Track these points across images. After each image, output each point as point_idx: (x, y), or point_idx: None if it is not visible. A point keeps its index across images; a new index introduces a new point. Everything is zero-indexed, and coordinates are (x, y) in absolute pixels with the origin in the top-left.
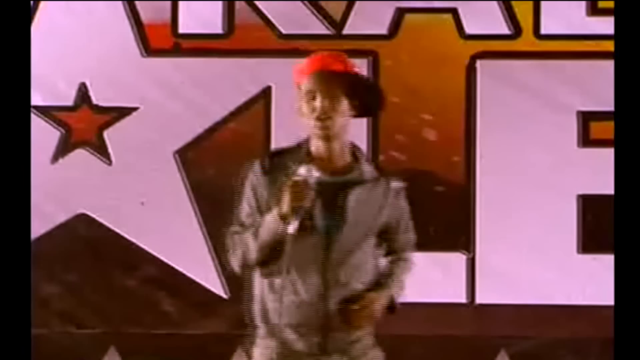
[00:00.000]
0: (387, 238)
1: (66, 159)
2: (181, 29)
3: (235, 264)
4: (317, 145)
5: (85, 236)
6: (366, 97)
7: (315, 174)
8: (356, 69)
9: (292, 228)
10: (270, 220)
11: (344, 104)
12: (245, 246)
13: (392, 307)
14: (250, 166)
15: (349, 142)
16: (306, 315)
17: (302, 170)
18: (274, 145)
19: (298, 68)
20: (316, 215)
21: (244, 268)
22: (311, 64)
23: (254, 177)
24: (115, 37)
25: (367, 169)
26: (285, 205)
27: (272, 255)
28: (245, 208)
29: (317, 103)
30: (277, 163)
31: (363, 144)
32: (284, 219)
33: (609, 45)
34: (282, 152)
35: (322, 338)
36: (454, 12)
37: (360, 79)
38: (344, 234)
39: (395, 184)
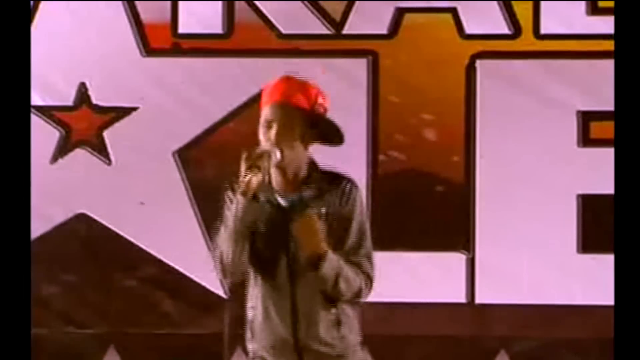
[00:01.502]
0: (339, 245)
1: (66, 158)
2: (181, 29)
3: (219, 272)
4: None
5: (85, 236)
6: (325, 131)
7: (273, 197)
8: (320, 102)
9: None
10: (235, 203)
11: (300, 136)
12: (221, 247)
13: (316, 263)
14: (224, 192)
15: (306, 161)
16: (277, 337)
17: (261, 196)
18: None
19: (264, 91)
20: (279, 239)
21: (228, 277)
22: (274, 92)
23: (227, 200)
24: (115, 37)
25: (317, 182)
26: (242, 178)
27: (244, 247)
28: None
29: (272, 134)
30: None
31: (363, 144)
32: (245, 193)
33: (609, 45)
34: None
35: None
36: (453, 11)
37: (320, 117)
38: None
39: (346, 188)
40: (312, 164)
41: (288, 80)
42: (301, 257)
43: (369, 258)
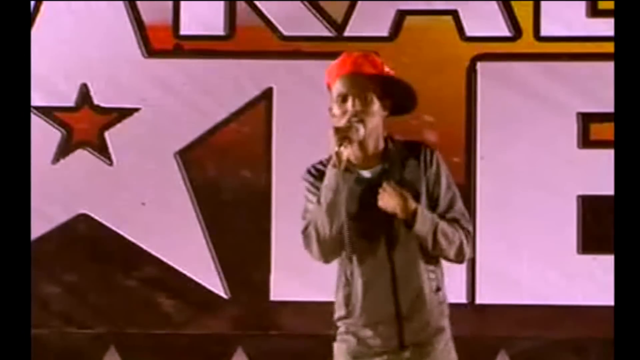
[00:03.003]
0: (433, 206)
1: (67, 159)
2: (183, 30)
3: (316, 252)
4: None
5: (86, 236)
6: (398, 97)
7: (355, 170)
8: (387, 69)
9: (345, 152)
10: (327, 178)
11: (376, 106)
12: (316, 222)
13: (410, 221)
14: (302, 180)
15: (382, 133)
16: (378, 311)
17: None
18: (274, 146)
19: (329, 69)
20: (368, 212)
21: (326, 254)
22: (342, 65)
23: (307, 184)
24: (116, 37)
25: (395, 153)
26: (336, 150)
27: (340, 221)
28: (308, 207)
29: (349, 106)
30: (323, 169)
31: None
32: (337, 165)
33: (609, 47)
34: (322, 162)
35: (398, 332)
36: (454, 14)
37: (392, 80)
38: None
39: (426, 153)
40: (388, 136)
41: (351, 54)
42: (395, 222)
43: (464, 214)
